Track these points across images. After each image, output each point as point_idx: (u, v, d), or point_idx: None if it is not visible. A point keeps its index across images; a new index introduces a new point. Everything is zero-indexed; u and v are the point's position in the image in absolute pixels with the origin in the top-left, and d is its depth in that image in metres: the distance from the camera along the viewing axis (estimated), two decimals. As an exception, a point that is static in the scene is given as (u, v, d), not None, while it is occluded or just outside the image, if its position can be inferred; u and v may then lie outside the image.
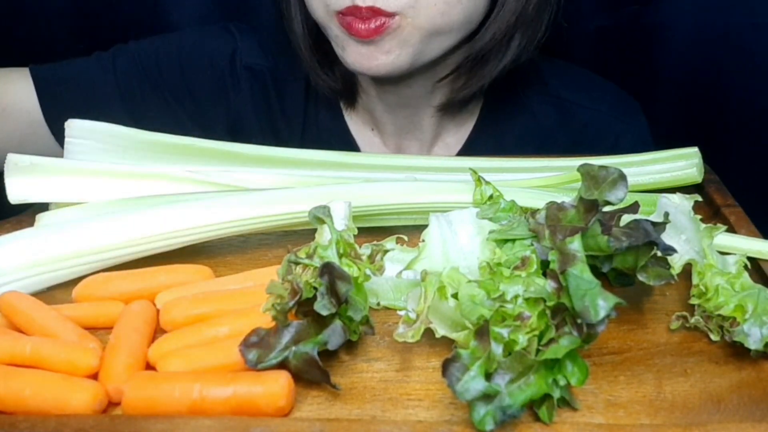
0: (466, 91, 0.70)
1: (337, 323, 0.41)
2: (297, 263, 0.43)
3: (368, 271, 0.44)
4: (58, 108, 0.70)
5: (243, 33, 0.78)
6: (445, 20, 0.62)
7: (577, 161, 0.47)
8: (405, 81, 0.70)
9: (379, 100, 0.74)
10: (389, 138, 0.77)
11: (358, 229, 0.49)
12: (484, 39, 0.66)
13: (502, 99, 0.74)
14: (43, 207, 0.58)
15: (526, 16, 0.66)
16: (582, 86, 0.79)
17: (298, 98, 0.77)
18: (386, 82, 0.71)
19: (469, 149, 0.76)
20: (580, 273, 0.37)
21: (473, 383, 0.34)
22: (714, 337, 0.44)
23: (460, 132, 0.77)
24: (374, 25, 0.60)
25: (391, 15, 0.60)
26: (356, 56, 0.63)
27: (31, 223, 0.55)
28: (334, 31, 0.63)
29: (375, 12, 0.59)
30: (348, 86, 0.74)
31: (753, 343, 0.41)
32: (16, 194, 0.55)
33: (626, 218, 0.43)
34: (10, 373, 0.39)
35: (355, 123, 0.78)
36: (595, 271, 0.40)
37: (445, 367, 0.35)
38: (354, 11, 0.60)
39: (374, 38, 0.61)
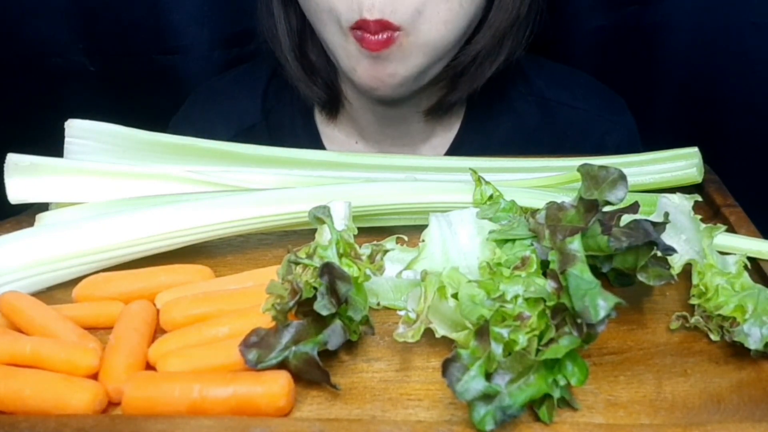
0: (459, 94, 0.70)
1: (337, 323, 0.41)
2: (297, 263, 0.43)
3: (368, 271, 0.44)
4: None
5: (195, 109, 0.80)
6: (449, 29, 0.62)
7: (577, 161, 0.47)
8: None
9: (366, 110, 0.74)
10: (373, 147, 0.77)
11: (358, 229, 0.49)
12: (482, 42, 0.66)
13: (487, 100, 0.74)
14: (43, 207, 0.58)
15: (520, 17, 0.66)
16: (566, 85, 0.78)
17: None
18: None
19: (455, 151, 0.76)
20: (580, 273, 0.37)
21: (473, 383, 0.34)
22: (714, 337, 0.44)
23: (447, 135, 0.76)
24: (383, 36, 0.60)
25: (398, 28, 0.60)
26: (367, 76, 0.63)
27: (31, 223, 0.55)
28: (348, 49, 0.62)
29: (383, 25, 0.59)
30: (332, 97, 0.73)
31: (753, 343, 0.41)
32: (16, 194, 0.55)
33: (626, 218, 0.43)
34: (10, 373, 0.39)
35: (333, 138, 0.77)
36: (595, 271, 0.40)
37: (445, 367, 0.35)
38: (363, 25, 0.59)
39: (382, 52, 0.60)
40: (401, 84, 0.64)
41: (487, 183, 0.53)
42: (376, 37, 0.60)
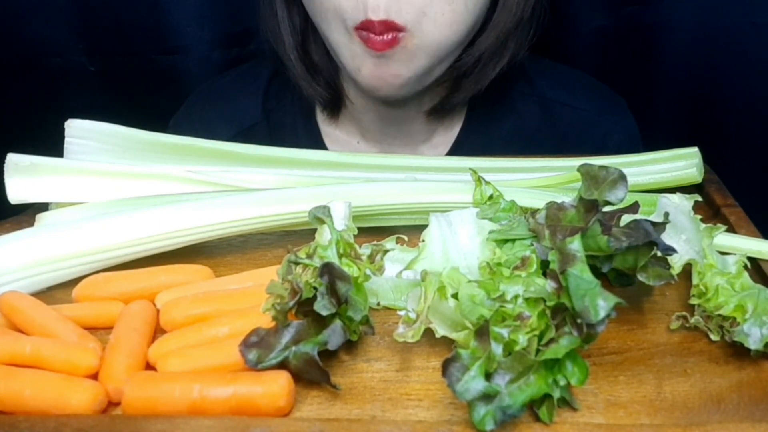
0: (462, 95, 0.70)
1: (337, 323, 0.41)
2: (297, 263, 0.43)
3: (368, 271, 0.44)
4: None
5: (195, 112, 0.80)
6: (454, 30, 0.62)
7: (577, 161, 0.47)
8: None
9: (368, 110, 0.74)
10: (375, 146, 0.77)
11: (358, 229, 0.49)
12: (486, 43, 0.66)
13: (489, 100, 0.74)
14: (43, 207, 0.58)
15: (524, 18, 0.66)
16: (567, 85, 0.79)
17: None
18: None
19: (456, 151, 0.76)
20: (580, 273, 0.37)
21: (473, 383, 0.34)
22: (714, 337, 0.44)
23: (448, 135, 0.76)
24: (388, 37, 0.60)
25: (402, 29, 0.60)
26: (371, 77, 0.63)
27: (31, 223, 0.55)
28: (353, 48, 0.62)
29: (387, 26, 0.59)
30: (334, 96, 0.73)
31: (753, 343, 0.41)
32: (16, 194, 0.55)
33: (626, 218, 0.43)
34: (10, 373, 0.39)
35: (335, 138, 0.77)
36: (595, 271, 0.40)
37: (445, 367, 0.35)
38: (368, 25, 0.59)
39: (387, 52, 0.60)
40: (404, 84, 0.64)
41: (487, 183, 0.53)
42: (381, 37, 0.60)
